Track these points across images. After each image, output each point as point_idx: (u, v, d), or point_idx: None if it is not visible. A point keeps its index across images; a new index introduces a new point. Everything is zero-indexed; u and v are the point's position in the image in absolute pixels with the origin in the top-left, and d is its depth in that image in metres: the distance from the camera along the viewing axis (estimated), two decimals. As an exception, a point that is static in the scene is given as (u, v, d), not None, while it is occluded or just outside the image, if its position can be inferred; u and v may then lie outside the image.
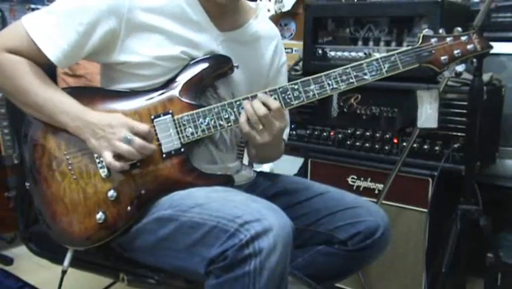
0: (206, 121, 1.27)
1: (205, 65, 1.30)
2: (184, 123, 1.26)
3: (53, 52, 1.22)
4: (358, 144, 2.01)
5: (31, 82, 1.23)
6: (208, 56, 1.31)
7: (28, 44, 1.22)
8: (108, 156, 1.19)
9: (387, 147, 1.95)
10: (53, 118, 1.24)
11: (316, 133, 2.10)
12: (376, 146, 1.97)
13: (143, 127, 1.21)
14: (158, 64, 1.27)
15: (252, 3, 1.45)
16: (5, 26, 2.85)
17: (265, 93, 1.27)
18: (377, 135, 1.96)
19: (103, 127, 1.20)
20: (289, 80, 1.39)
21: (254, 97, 1.26)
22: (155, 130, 1.25)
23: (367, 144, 1.99)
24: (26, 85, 1.23)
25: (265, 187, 1.47)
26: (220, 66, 1.32)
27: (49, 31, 1.22)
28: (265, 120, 1.23)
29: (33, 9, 3.09)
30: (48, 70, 1.28)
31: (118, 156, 1.20)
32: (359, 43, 2.06)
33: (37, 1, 3.13)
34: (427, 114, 1.73)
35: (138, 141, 1.19)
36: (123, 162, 1.20)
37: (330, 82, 1.28)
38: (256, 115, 1.23)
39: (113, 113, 1.25)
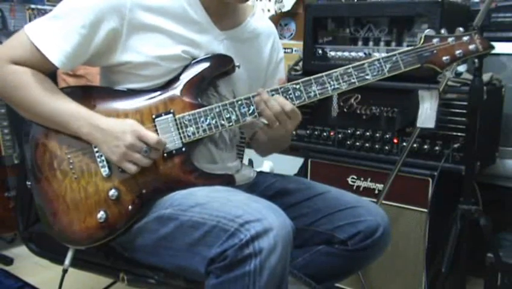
0: (208, 121, 1.27)
1: (206, 64, 1.31)
2: (185, 122, 1.26)
3: (56, 56, 1.22)
4: (358, 144, 2.01)
5: (37, 93, 1.23)
6: (209, 55, 1.32)
7: (32, 51, 1.22)
8: (130, 166, 1.21)
9: (387, 147, 1.95)
10: (62, 126, 1.24)
11: (316, 133, 2.10)
12: (376, 146, 1.97)
13: (153, 137, 1.21)
14: (159, 64, 1.27)
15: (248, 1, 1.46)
16: (5, 26, 2.87)
17: (267, 92, 1.27)
18: (377, 135, 1.96)
19: (115, 135, 1.20)
20: (289, 80, 1.39)
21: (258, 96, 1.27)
22: (156, 130, 1.26)
23: (367, 144, 1.99)
24: (32, 95, 1.23)
25: (266, 187, 1.48)
26: (221, 66, 1.33)
27: (52, 36, 1.22)
28: (280, 119, 1.25)
29: (33, 9, 3.10)
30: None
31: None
32: (359, 43, 2.06)
33: (36, 1, 3.13)
34: (427, 114, 1.73)
35: (154, 154, 1.22)
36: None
37: (332, 82, 1.28)
38: (274, 116, 1.25)
39: (114, 113, 1.25)
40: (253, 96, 1.27)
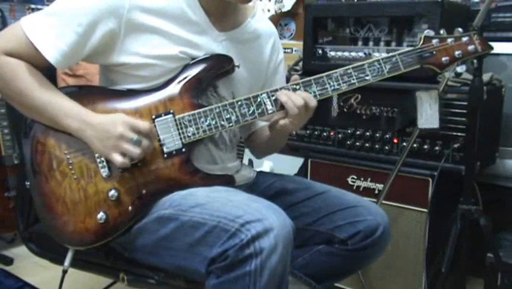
0: (208, 121, 1.27)
1: (205, 64, 1.30)
2: (185, 123, 1.26)
3: (51, 54, 1.21)
4: (358, 144, 2.01)
5: (29, 86, 1.22)
6: (209, 55, 1.31)
7: (27, 46, 1.21)
8: (117, 158, 1.19)
9: (387, 147, 1.95)
10: (54, 121, 1.24)
11: (316, 133, 2.10)
12: (376, 146, 1.97)
13: (145, 125, 1.20)
14: (157, 64, 1.27)
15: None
16: (5, 26, 2.86)
17: (267, 93, 1.27)
18: (377, 135, 1.96)
19: (106, 128, 1.20)
20: (289, 80, 1.39)
21: (256, 97, 1.27)
22: (156, 130, 1.25)
23: (367, 144, 1.99)
24: (24, 88, 1.22)
25: (265, 187, 1.48)
26: (221, 66, 1.32)
27: (48, 32, 1.21)
28: (301, 111, 1.26)
29: (33, 9, 3.10)
30: (48, 70, 1.27)
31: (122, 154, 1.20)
32: (359, 43, 2.06)
33: (36, 1, 3.13)
34: (428, 115, 1.73)
35: (145, 143, 1.20)
36: (128, 159, 1.21)
37: (331, 82, 1.28)
38: (296, 107, 1.25)
39: (113, 113, 1.25)
40: (253, 97, 1.27)
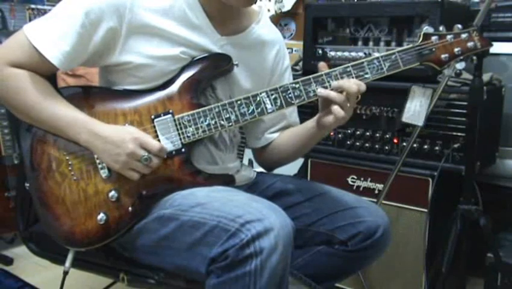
0: (207, 121, 1.26)
1: (204, 64, 1.30)
2: (184, 123, 1.26)
3: (54, 55, 1.21)
4: (358, 144, 2.01)
5: (35, 97, 1.22)
6: (207, 55, 1.31)
7: (30, 53, 1.21)
8: (132, 174, 1.21)
9: (387, 147, 1.95)
10: (61, 132, 1.23)
11: (316, 133, 2.10)
12: (376, 146, 1.97)
13: (155, 145, 1.21)
14: (158, 65, 1.27)
15: (255, 7, 1.44)
16: (5, 26, 2.86)
17: (266, 92, 1.27)
18: (377, 135, 1.96)
19: (115, 143, 1.20)
20: (291, 80, 1.39)
21: (255, 96, 1.27)
22: (155, 130, 1.26)
23: (367, 144, 1.99)
24: (31, 100, 1.22)
25: (266, 187, 1.47)
26: (219, 64, 1.32)
27: (51, 35, 1.21)
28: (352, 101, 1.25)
29: (33, 9, 3.10)
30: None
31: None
32: (359, 43, 2.06)
33: (37, 1, 3.13)
34: (415, 110, 1.73)
35: (155, 161, 1.21)
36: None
37: (331, 81, 1.27)
38: (350, 93, 1.23)
39: (113, 113, 1.25)
40: (253, 96, 1.27)
